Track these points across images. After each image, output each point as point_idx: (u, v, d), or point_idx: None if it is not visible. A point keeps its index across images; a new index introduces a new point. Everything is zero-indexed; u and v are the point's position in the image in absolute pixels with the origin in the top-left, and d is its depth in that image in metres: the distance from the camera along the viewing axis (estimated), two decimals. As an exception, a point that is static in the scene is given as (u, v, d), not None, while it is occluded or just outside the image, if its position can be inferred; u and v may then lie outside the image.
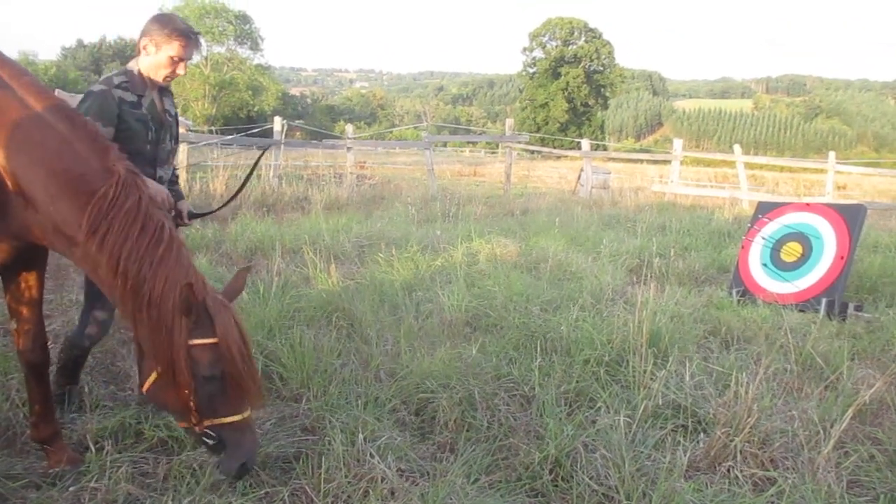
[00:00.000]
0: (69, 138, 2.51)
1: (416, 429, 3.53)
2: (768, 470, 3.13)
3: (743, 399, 3.34)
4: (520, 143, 17.36)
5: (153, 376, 2.53)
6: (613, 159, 27.42)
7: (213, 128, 31.29)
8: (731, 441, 3.19)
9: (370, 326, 4.61)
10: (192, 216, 3.68)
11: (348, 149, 14.15)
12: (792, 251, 6.63)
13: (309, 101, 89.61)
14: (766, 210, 7.17)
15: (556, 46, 70.85)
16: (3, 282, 2.93)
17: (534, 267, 6.95)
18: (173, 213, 3.37)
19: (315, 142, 17.21)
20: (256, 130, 15.69)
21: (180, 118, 4.52)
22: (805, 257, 6.52)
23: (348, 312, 4.85)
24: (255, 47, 65.50)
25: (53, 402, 3.11)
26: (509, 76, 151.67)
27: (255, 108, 56.02)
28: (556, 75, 68.55)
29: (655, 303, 4.95)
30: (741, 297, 6.40)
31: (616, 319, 4.84)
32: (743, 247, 6.97)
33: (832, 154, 16.06)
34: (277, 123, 13.47)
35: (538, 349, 4.07)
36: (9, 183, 2.51)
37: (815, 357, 4.48)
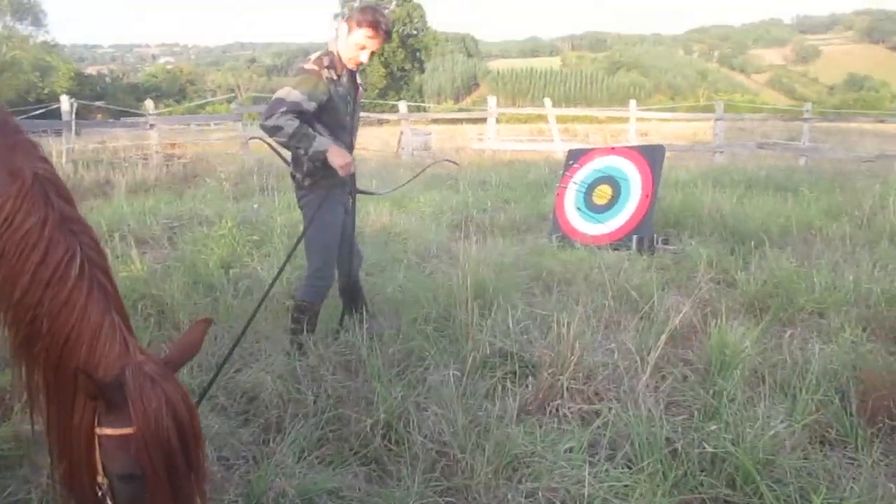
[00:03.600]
0: None
1: (239, 413, 3.30)
2: (593, 403, 3.21)
3: (565, 338, 3.39)
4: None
5: (59, 471, 1.90)
6: (434, 121, 27.70)
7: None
8: (558, 380, 3.24)
9: (182, 310, 4.26)
10: (358, 191, 4.02)
11: (151, 126, 13.18)
12: (603, 194, 6.93)
13: (108, 79, 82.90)
14: (576, 157, 7.43)
15: (368, 11, 69.95)
16: None
17: (358, 232, 6.77)
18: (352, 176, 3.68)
19: (112, 121, 15.87)
20: (40, 111, 14.15)
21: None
22: (615, 198, 6.84)
23: (157, 298, 4.45)
24: (38, 23, 59.38)
25: None
26: (323, 44, 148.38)
27: (45, 90, 50.94)
28: (371, 41, 67.91)
29: (478, 255, 4.96)
30: (560, 242, 6.61)
31: (441, 275, 4.81)
32: (558, 194, 7.20)
33: (633, 102, 17.11)
34: (65, 102, 12.24)
35: (364, 313, 3.93)
36: None
37: (629, 290, 4.68)
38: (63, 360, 1.80)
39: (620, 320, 4.31)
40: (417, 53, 68.27)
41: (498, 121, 16.76)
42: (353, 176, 3.71)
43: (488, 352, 3.62)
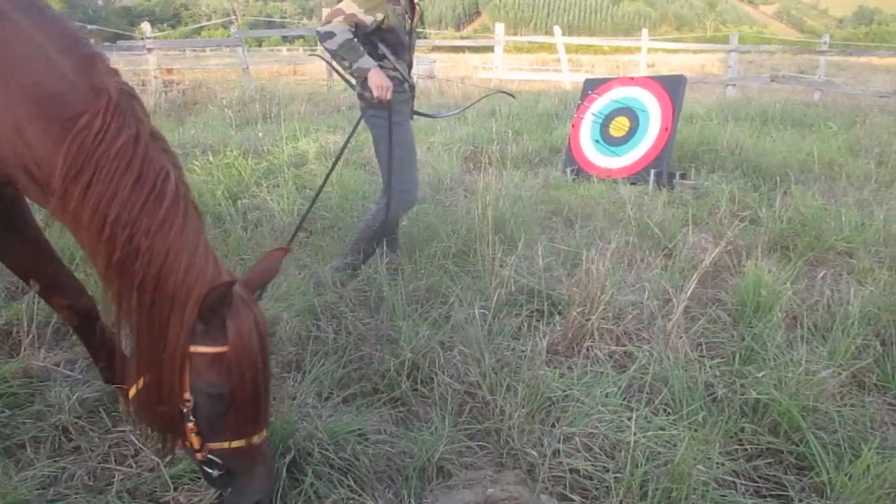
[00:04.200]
0: (38, 38, 1.78)
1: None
2: (624, 345, 3.10)
3: (595, 276, 3.25)
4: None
5: (134, 388, 1.90)
6: (437, 48, 27.00)
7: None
8: (588, 320, 3.11)
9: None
10: (417, 113, 3.99)
11: (148, 50, 12.72)
12: (620, 126, 6.70)
13: (100, 2, 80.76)
14: (593, 86, 7.16)
15: (368, -67, 67.74)
16: None
17: (367, 163, 6.59)
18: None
19: (108, 44, 15.32)
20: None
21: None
22: (633, 131, 6.61)
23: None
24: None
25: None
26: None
27: (36, 14, 49.55)
28: (371, -36, 65.83)
29: (496, 188, 4.79)
30: (576, 175, 6.42)
31: (458, 209, 4.65)
32: (574, 125, 6.96)
33: (645, 31, 16.58)
34: (60, 24, 11.74)
35: (382, 247, 3.78)
36: None
37: (652, 227, 4.53)
38: (162, 279, 1.77)
39: (645, 257, 4.16)
40: (418, -22, 66.13)
41: (503, 49, 16.22)
42: (412, 97, 3.83)
43: (513, 289, 3.48)
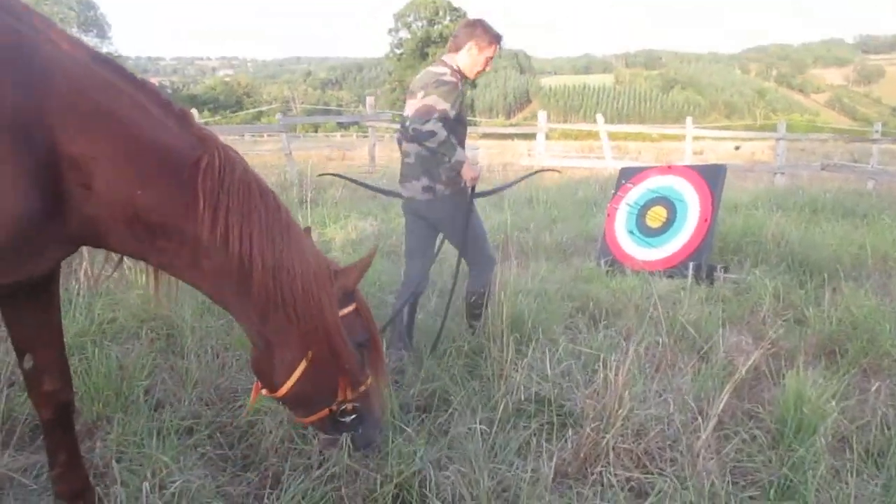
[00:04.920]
0: (142, 102, 1.99)
1: (239, 459, 2.90)
2: (644, 466, 2.74)
3: (613, 386, 2.92)
4: (382, 121, 16.68)
5: (300, 368, 2.29)
6: (485, 135, 27.35)
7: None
8: (603, 438, 2.76)
9: (192, 335, 3.90)
10: (476, 195, 4.06)
11: (196, 136, 13.04)
12: (657, 216, 6.42)
13: (170, 90, 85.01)
14: (628, 176, 6.94)
15: (422, 27, 70.67)
16: (7, 307, 2.22)
17: (393, 251, 6.41)
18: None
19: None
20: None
21: None
22: (670, 221, 6.32)
23: (167, 320, 4.10)
24: (103, 35, 61.47)
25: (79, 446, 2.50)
26: (377, 59, 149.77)
27: (107, 101, 52.40)
28: (424, 55, 68.33)
29: (518, 281, 4.52)
30: (609, 266, 6.12)
31: (476, 303, 4.37)
32: (609, 214, 6.70)
33: (689, 119, 16.43)
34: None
35: (385, 345, 3.52)
36: (68, 170, 1.86)
37: (687, 327, 4.18)
38: (305, 267, 2.20)
39: (676, 362, 3.80)
40: (469, 68, 68.15)
41: (548, 137, 16.22)
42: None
43: (523, 397, 3.16)
